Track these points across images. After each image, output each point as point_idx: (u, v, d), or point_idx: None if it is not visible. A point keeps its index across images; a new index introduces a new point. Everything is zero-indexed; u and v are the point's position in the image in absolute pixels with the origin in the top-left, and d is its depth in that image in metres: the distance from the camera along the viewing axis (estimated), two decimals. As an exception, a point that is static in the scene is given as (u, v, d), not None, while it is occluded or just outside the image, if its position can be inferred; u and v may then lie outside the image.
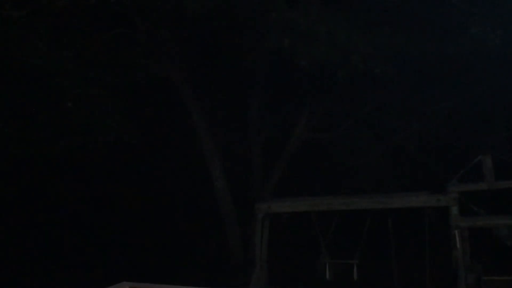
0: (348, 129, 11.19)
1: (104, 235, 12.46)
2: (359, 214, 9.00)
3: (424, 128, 10.83)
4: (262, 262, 9.16)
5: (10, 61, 8.37)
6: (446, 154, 10.86)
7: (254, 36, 9.09)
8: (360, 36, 7.99)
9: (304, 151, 11.89)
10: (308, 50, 8.06)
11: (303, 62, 8.31)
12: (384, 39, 8.13)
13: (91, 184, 12.70)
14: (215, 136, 11.32)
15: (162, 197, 13.10)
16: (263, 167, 11.91)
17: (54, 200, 12.46)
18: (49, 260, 11.66)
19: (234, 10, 8.44)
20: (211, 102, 11.71)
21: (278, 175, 11.55)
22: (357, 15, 8.36)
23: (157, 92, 11.49)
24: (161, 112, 12.21)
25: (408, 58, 8.46)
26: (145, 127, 11.63)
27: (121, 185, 12.66)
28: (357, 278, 8.68)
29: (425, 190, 8.56)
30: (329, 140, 11.64)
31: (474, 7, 7.78)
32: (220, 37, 9.98)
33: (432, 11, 8.11)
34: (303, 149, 11.72)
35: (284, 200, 9.55)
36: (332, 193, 9.93)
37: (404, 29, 8.33)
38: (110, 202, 12.85)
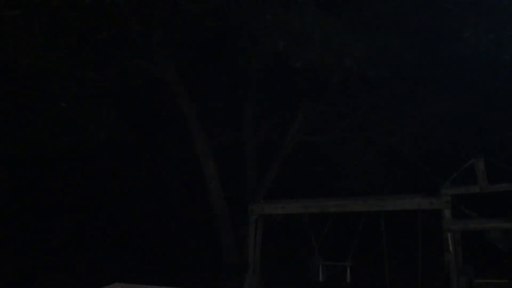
0: (342, 131, 11.23)
1: (97, 236, 12.43)
2: (352, 217, 9.02)
3: (417, 131, 10.88)
4: (255, 264, 9.15)
5: (4, 61, 8.33)
6: (439, 157, 10.90)
7: (249, 38, 9.10)
8: (354, 39, 8.03)
9: (298, 153, 11.91)
10: (302, 52, 8.07)
11: (298, 65, 8.32)
12: (378, 43, 8.17)
13: (85, 185, 12.66)
14: (209, 137, 11.32)
15: (155, 198, 13.08)
16: (257, 168, 11.92)
17: (47, 201, 12.41)
18: (42, 261, 11.61)
19: (229, 11, 8.45)
20: (205, 104, 11.70)
21: (272, 177, 11.55)
22: (351, 18, 8.40)
23: (152, 93, 11.47)
24: (155, 113, 12.19)
25: (402, 62, 8.51)
26: (139, 128, 11.61)
27: (114, 186, 12.63)
28: (350, 280, 8.71)
29: (418, 192, 8.60)
30: (323, 143, 11.66)
31: (467, 11, 7.83)
32: (215, 39, 9.98)
33: (426, 15, 8.17)
34: (297, 151, 11.74)
35: (277, 202, 9.55)
36: (326, 195, 9.94)
37: (398, 32, 8.38)
38: (103, 203, 12.82)
